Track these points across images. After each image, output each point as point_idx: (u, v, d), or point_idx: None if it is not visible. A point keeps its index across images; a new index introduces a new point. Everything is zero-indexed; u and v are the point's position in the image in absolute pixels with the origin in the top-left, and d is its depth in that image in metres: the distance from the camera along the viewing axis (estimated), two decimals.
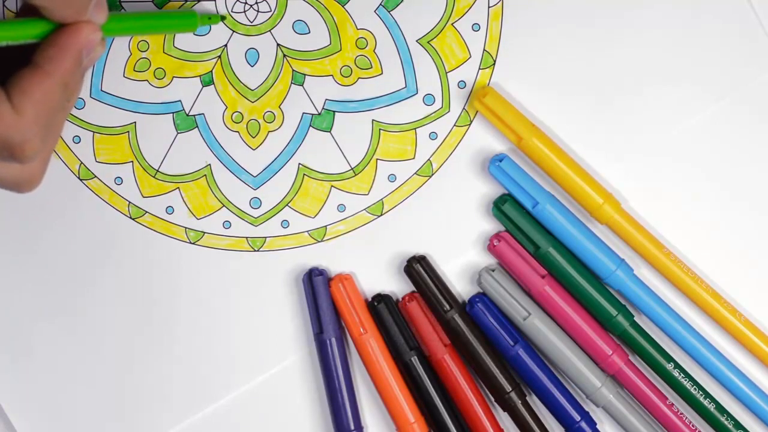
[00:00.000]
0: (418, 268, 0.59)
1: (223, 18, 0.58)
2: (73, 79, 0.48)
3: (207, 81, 0.60)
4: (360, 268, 0.61)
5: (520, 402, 0.59)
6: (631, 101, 0.59)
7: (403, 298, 0.60)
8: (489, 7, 0.59)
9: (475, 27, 0.59)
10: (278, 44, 0.59)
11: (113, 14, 0.52)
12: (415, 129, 0.60)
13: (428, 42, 0.59)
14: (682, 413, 0.59)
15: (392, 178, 0.60)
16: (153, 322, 0.61)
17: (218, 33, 0.60)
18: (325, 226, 0.61)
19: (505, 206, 0.58)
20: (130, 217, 0.61)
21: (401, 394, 0.59)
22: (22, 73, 0.47)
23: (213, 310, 0.61)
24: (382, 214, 0.60)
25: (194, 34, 0.60)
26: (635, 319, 0.59)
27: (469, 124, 0.59)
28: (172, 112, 0.60)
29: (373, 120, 0.60)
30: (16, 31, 0.48)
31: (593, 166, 0.59)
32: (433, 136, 0.60)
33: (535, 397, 0.60)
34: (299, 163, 0.60)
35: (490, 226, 0.60)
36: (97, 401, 0.62)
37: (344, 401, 0.60)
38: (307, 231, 0.61)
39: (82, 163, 0.61)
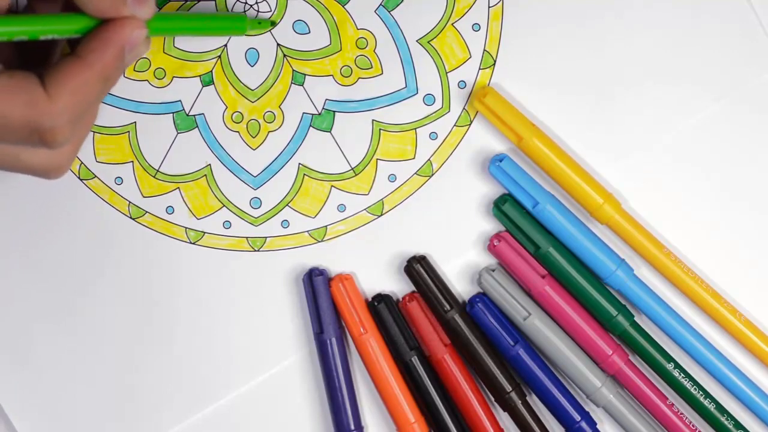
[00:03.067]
0: (418, 268, 0.59)
1: (273, 23, 0.58)
2: (113, 73, 0.49)
3: (207, 81, 0.60)
4: (360, 268, 0.61)
5: (520, 402, 0.59)
6: (631, 101, 0.59)
7: (403, 298, 0.60)
8: (489, 7, 0.59)
9: (476, 27, 0.59)
10: (278, 44, 0.59)
11: (160, 14, 0.52)
12: (415, 129, 0.60)
13: (428, 42, 0.59)
14: (682, 413, 0.59)
15: (392, 178, 0.60)
16: (153, 322, 0.61)
17: None
18: (326, 226, 0.61)
19: (505, 206, 0.58)
20: (130, 217, 0.61)
21: (401, 394, 0.59)
22: (62, 62, 0.48)
23: (213, 310, 0.61)
24: (382, 214, 0.60)
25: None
26: (635, 319, 0.59)
27: (469, 124, 0.59)
28: (172, 112, 0.60)
29: (373, 120, 0.60)
30: (58, 24, 0.49)
31: (593, 166, 0.59)
32: (433, 136, 0.60)
33: (535, 397, 0.60)
34: (299, 163, 0.60)
35: (490, 226, 0.60)
36: (97, 401, 0.62)
37: (344, 401, 0.60)
38: (308, 231, 0.61)
39: (82, 163, 0.61)
